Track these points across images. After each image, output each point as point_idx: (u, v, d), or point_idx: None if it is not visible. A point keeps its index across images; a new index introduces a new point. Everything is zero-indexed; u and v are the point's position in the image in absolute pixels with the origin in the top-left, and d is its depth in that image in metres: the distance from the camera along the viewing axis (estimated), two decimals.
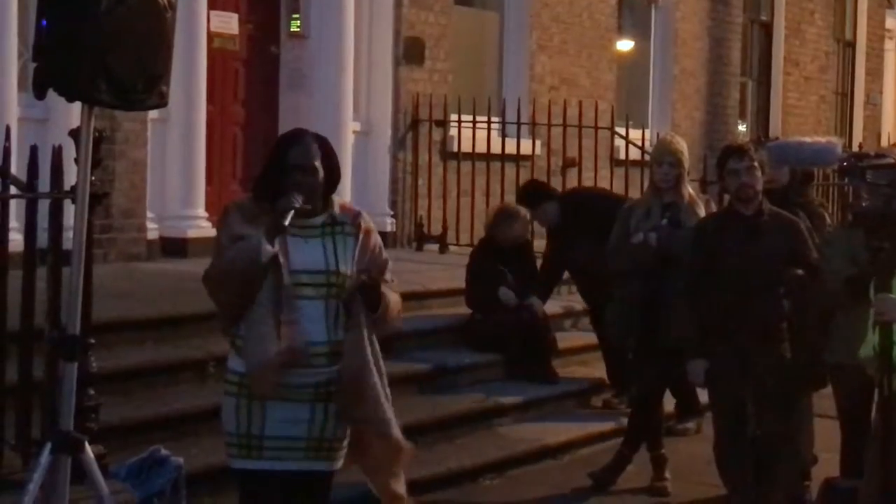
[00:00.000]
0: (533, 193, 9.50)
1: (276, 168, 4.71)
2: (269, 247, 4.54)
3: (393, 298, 4.81)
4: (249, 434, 4.68)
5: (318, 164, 4.71)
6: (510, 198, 11.66)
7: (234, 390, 4.71)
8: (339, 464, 4.85)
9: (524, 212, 9.29)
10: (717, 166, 6.87)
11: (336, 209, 4.79)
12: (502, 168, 11.80)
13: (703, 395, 9.08)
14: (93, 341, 6.00)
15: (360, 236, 4.80)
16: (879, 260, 5.19)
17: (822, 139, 6.88)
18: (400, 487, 4.90)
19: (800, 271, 6.50)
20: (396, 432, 4.81)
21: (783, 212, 6.81)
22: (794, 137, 7.45)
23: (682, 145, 7.65)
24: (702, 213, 7.46)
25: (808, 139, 7.02)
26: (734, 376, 6.53)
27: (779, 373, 6.53)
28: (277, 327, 4.56)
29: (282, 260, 4.59)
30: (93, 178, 5.19)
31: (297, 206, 4.58)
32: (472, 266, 9.39)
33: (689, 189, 7.64)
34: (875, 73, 20.89)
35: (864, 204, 5.72)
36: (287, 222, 4.57)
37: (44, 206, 6.01)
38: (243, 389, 4.67)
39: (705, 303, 6.59)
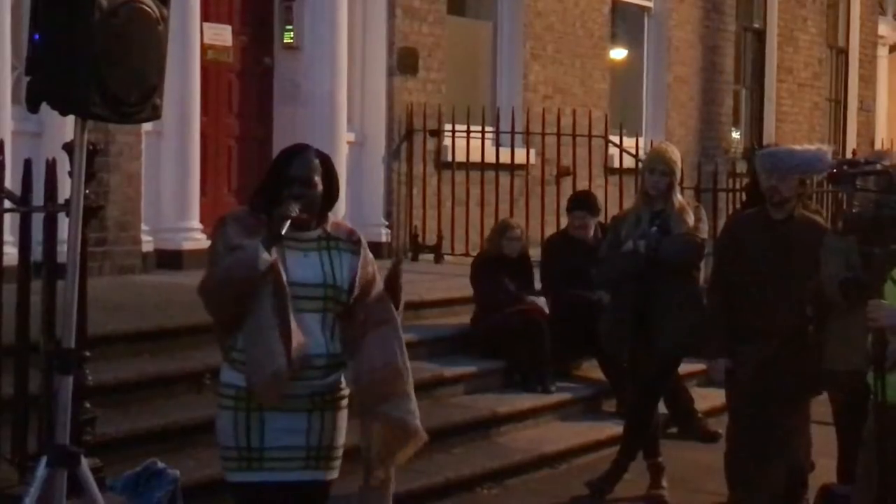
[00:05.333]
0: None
1: (275, 179, 4.73)
2: (266, 255, 4.55)
3: None
4: (249, 447, 4.67)
5: (317, 178, 4.74)
6: (504, 207, 11.70)
7: (230, 404, 4.69)
8: (336, 473, 4.85)
9: (519, 227, 9.57)
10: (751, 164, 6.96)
11: (329, 225, 4.83)
12: (496, 177, 11.81)
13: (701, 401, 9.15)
14: (88, 354, 6.00)
15: (362, 252, 4.84)
16: (871, 266, 5.20)
17: (811, 147, 6.91)
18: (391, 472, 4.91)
19: None
20: (419, 422, 4.83)
21: (814, 217, 6.91)
22: (784, 145, 7.49)
23: (676, 155, 7.65)
24: (691, 221, 7.48)
25: (798, 147, 7.05)
26: (755, 380, 6.59)
27: (799, 377, 6.61)
28: (285, 337, 4.56)
29: (280, 267, 4.60)
30: (87, 191, 5.20)
31: (294, 214, 4.61)
32: (475, 276, 9.51)
33: (680, 197, 7.65)
34: (868, 80, 20.92)
35: (854, 210, 5.73)
36: (284, 230, 4.59)
37: (38, 220, 6.01)
38: (241, 402, 4.66)
39: (731, 303, 6.67)
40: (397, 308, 4.82)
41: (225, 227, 4.69)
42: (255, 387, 4.59)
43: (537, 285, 9.56)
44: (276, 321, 4.55)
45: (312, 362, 4.65)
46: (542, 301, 9.33)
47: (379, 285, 4.86)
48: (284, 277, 4.60)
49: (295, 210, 4.62)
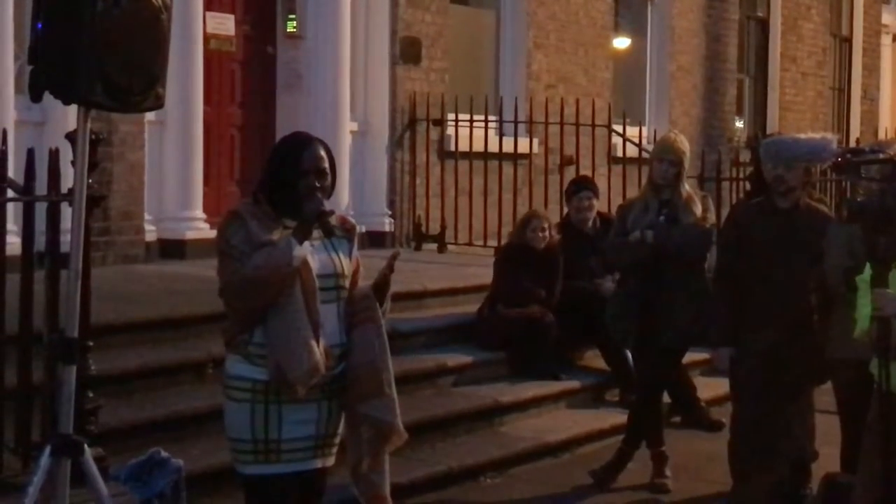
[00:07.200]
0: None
1: (289, 172, 4.69)
2: (299, 250, 4.56)
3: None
4: (267, 439, 4.66)
5: (328, 168, 4.74)
6: (507, 196, 11.70)
7: (246, 397, 4.66)
8: (333, 460, 4.87)
9: (546, 219, 9.40)
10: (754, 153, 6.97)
11: None
12: (500, 167, 11.80)
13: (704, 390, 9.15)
14: (91, 344, 6.00)
15: (355, 240, 4.88)
16: (876, 255, 5.19)
17: (816, 135, 6.89)
18: (385, 488, 4.90)
19: None
20: (399, 422, 4.85)
21: (820, 206, 6.94)
22: (788, 134, 7.49)
23: (685, 145, 7.63)
24: (698, 210, 7.48)
25: (802, 135, 7.04)
26: (760, 368, 6.60)
27: (803, 366, 6.63)
28: (315, 331, 4.58)
29: (310, 262, 4.61)
30: (90, 180, 5.20)
31: (327, 209, 4.62)
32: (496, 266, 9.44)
33: (687, 186, 7.64)
34: (872, 69, 20.89)
35: (859, 199, 5.72)
36: (330, 225, 4.64)
37: (41, 210, 6.01)
38: (259, 395, 4.65)
39: (736, 292, 6.71)
40: (382, 305, 4.81)
41: (245, 223, 4.64)
42: (290, 381, 4.58)
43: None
44: (306, 316, 4.56)
45: (331, 353, 4.68)
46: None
47: (362, 275, 4.89)
48: (313, 272, 4.61)
49: (325, 204, 4.63)
